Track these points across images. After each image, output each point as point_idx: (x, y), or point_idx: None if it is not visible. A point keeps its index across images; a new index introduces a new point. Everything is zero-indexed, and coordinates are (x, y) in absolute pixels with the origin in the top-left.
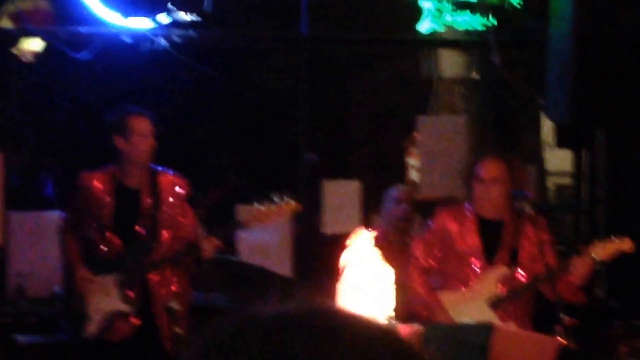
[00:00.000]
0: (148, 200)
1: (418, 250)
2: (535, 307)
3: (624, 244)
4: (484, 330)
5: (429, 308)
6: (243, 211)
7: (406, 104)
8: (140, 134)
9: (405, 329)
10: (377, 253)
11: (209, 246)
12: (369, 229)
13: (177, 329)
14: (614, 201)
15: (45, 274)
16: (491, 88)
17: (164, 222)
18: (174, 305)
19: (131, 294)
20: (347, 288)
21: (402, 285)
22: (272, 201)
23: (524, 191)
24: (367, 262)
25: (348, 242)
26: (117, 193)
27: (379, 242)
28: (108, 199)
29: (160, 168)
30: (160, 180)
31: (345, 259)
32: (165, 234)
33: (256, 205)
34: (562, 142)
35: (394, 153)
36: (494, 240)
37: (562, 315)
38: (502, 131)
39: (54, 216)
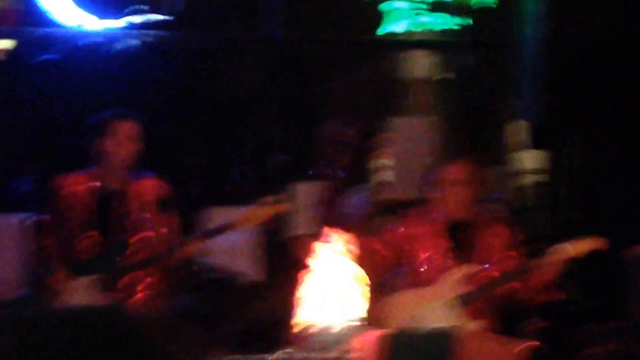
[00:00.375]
0: (128, 203)
1: (383, 250)
2: (504, 308)
3: (596, 243)
4: (453, 333)
5: None
6: (232, 213)
7: (377, 105)
8: (126, 137)
9: (373, 334)
10: (347, 255)
11: (193, 247)
12: (340, 231)
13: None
14: (587, 200)
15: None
16: (465, 89)
17: (144, 226)
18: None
19: (109, 295)
20: (314, 290)
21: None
22: (261, 202)
23: (494, 193)
24: (335, 265)
25: (316, 244)
26: (96, 195)
27: (351, 245)
28: (87, 201)
29: (142, 172)
30: (142, 184)
31: (313, 261)
32: (145, 237)
33: (245, 207)
34: (535, 142)
35: (364, 154)
36: (463, 240)
37: (532, 318)
38: (474, 132)
39: (15, 220)
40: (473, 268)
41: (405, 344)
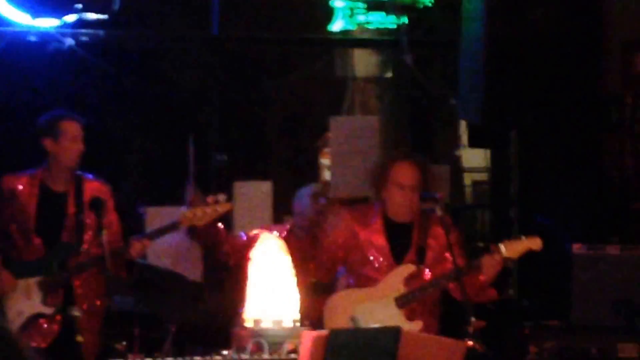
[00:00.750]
0: (73, 205)
1: (326, 248)
2: (442, 308)
3: (533, 243)
4: (392, 334)
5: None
6: (178, 213)
7: (321, 104)
8: (71, 137)
9: (309, 334)
10: (285, 255)
11: (138, 247)
12: (279, 230)
13: (79, 337)
14: (525, 199)
15: None
16: (405, 87)
17: (88, 227)
18: (75, 312)
19: (53, 297)
20: (254, 289)
21: (315, 285)
22: (206, 202)
23: (433, 192)
24: (273, 265)
25: (255, 244)
26: (42, 197)
27: (291, 242)
28: (32, 202)
29: (85, 174)
30: (85, 186)
31: (252, 261)
32: (89, 238)
33: (190, 207)
34: (474, 141)
35: (309, 153)
36: (402, 241)
37: (470, 318)
38: (416, 130)
39: None
40: (412, 269)
41: (342, 345)
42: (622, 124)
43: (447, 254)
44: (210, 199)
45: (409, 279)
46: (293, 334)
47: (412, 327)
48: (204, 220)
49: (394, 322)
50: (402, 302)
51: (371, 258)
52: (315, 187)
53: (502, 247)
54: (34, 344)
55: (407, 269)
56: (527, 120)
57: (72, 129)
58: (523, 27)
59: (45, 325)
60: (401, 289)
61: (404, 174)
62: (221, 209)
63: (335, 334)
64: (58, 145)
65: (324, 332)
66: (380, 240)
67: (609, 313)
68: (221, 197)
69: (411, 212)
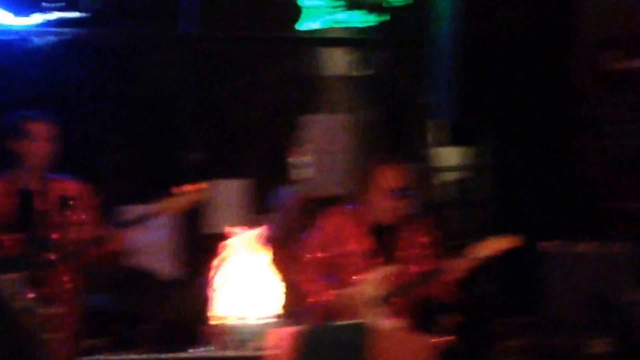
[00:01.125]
0: (47, 203)
1: (305, 249)
2: (420, 305)
3: (511, 241)
4: (360, 329)
5: (315, 305)
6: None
7: (295, 103)
8: (39, 138)
9: (287, 330)
10: (264, 253)
11: (116, 240)
12: (259, 228)
13: (50, 334)
14: (501, 196)
15: None
16: (377, 86)
17: (61, 224)
18: (43, 309)
19: (30, 292)
20: (230, 285)
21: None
22: (178, 192)
23: (410, 191)
24: (251, 261)
25: (227, 241)
26: (15, 195)
27: (272, 242)
28: (5, 201)
29: (57, 174)
30: (60, 183)
31: (229, 257)
32: (62, 235)
33: (166, 196)
34: (450, 139)
35: (283, 152)
36: (384, 242)
37: (447, 313)
38: (388, 129)
39: None
40: (393, 268)
41: (319, 340)
42: (593, 122)
43: (428, 252)
44: (186, 187)
45: (390, 279)
46: (259, 331)
47: (394, 325)
48: (179, 208)
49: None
50: (383, 301)
51: (353, 258)
52: (295, 190)
53: (481, 246)
54: None
55: (386, 269)
56: (500, 118)
57: (40, 129)
58: (495, 26)
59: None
60: (382, 289)
61: (391, 178)
62: (197, 197)
63: (304, 330)
64: (27, 145)
65: (293, 329)
66: (362, 241)
67: (580, 309)
68: (197, 185)
69: (396, 215)
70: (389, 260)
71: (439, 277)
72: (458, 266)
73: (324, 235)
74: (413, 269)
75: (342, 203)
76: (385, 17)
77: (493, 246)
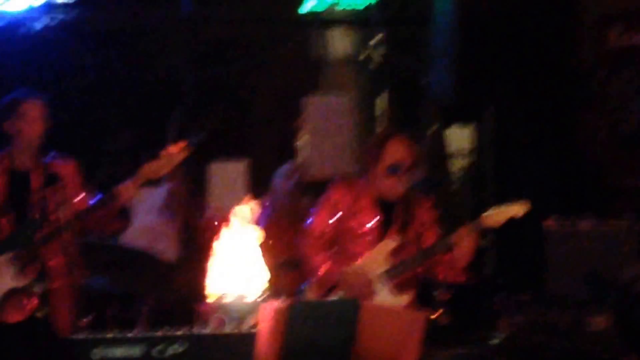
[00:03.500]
0: (38, 182)
1: (313, 222)
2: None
3: (515, 209)
4: (351, 305)
5: (322, 279)
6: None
7: (299, 84)
8: (33, 117)
9: (269, 306)
10: (252, 233)
11: (127, 190)
12: (253, 207)
13: (40, 312)
14: (501, 173)
15: None
16: (380, 66)
17: (55, 202)
18: (36, 287)
19: (26, 272)
20: (224, 263)
21: (291, 261)
22: (161, 155)
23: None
24: (237, 242)
25: (225, 221)
26: (6, 175)
27: (267, 219)
28: (1, 182)
29: (50, 153)
30: (51, 163)
31: (224, 236)
32: (55, 213)
33: (149, 161)
34: (450, 117)
35: (291, 134)
36: (387, 218)
37: (437, 290)
38: (391, 110)
39: None
40: (393, 245)
41: (302, 316)
42: (596, 99)
43: (429, 232)
44: (162, 152)
45: (392, 255)
46: (256, 308)
47: (399, 301)
48: (164, 170)
49: (380, 298)
50: (389, 276)
51: (357, 232)
52: (288, 168)
53: (485, 217)
54: (12, 320)
55: (389, 244)
56: (502, 97)
57: (32, 109)
58: (496, 3)
59: (25, 301)
60: (385, 265)
61: (396, 154)
62: (178, 156)
63: (295, 305)
64: (19, 125)
65: (283, 304)
66: (366, 215)
67: (582, 286)
68: (175, 147)
69: (402, 191)
70: (391, 235)
71: (443, 254)
72: (465, 234)
73: (332, 208)
74: (417, 244)
75: (348, 179)
76: None
77: (503, 213)
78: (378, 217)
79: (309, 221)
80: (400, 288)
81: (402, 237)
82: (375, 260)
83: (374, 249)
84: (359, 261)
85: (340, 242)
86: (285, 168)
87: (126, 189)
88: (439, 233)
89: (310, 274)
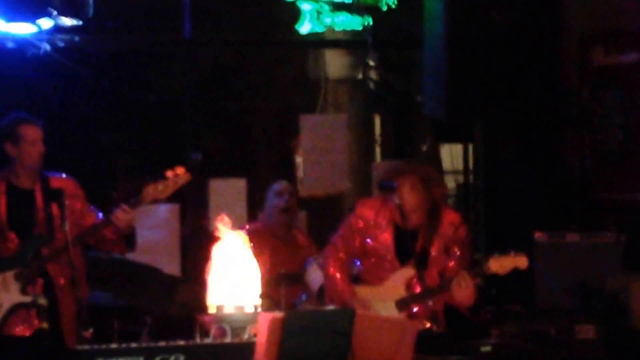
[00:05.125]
0: (41, 199)
1: (338, 239)
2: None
3: (521, 261)
4: (347, 315)
5: (344, 300)
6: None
7: (298, 105)
8: (30, 141)
9: (266, 316)
10: (246, 244)
11: (123, 215)
12: (246, 223)
13: (44, 325)
14: (491, 192)
15: None
16: (374, 87)
17: (59, 218)
18: (41, 300)
19: (32, 287)
20: (215, 278)
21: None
22: (164, 177)
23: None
24: (235, 254)
25: (218, 233)
26: (9, 194)
27: (259, 235)
28: (2, 201)
29: (50, 172)
30: (52, 182)
31: (215, 250)
32: (61, 229)
33: (151, 183)
34: (440, 137)
35: (285, 152)
36: (408, 243)
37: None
38: (387, 129)
39: None
40: (412, 273)
41: (298, 326)
42: (580, 117)
43: (454, 251)
44: (169, 173)
45: (410, 282)
46: (255, 319)
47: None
48: (166, 192)
49: None
50: (401, 305)
51: (378, 254)
52: (282, 183)
53: (490, 262)
54: (17, 333)
55: (408, 272)
56: (490, 115)
57: (31, 133)
58: (483, 24)
59: (31, 315)
60: (402, 292)
61: (406, 198)
62: (181, 180)
63: (291, 315)
64: (19, 149)
65: (280, 314)
66: (386, 238)
67: (570, 297)
68: (180, 169)
69: (418, 218)
70: (410, 262)
71: (447, 291)
72: (465, 285)
73: (353, 229)
74: (433, 271)
75: (374, 198)
76: (369, 20)
77: (509, 263)
78: (397, 241)
79: (333, 238)
80: (416, 317)
81: (420, 264)
82: (392, 286)
83: (392, 276)
84: (374, 287)
85: (365, 261)
86: (277, 184)
87: (123, 213)
88: (465, 250)
89: (332, 293)
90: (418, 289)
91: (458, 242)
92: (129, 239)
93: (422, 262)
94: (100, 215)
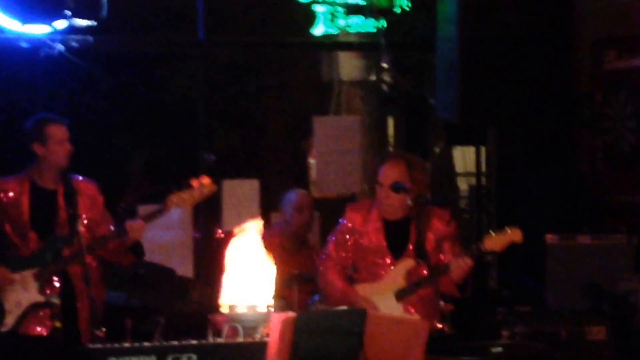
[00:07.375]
0: (63, 199)
1: (331, 248)
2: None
3: (515, 235)
4: (358, 315)
5: (349, 300)
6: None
7: (312, 106)
8: (58, 140)
9: (278, 316)
10: (261, 245)
11: (136, 227)
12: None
13: (57, 323)
14: (503, 194)
15: None
16: (387, 89)
17: (80, 220)
18: (55, 300)
19: (50, 287)
20: (231, 277)
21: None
22: (190, 186)
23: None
24: (248, 255)
25: (235, 234)
26: (32, 194)
27: (275, 242)
28: (25, 201)
29: (72, 174)
30: (74, 183)
31: (231, 250)
32: (82, 229)
33: (176, 191)
34: (453, 139)
35: (298, 153)
36: (401, 237)
37: (440, 301)
38: (398, 130)
39: None
40: (411, 264)
41: (310, 326)
42: (592, 119)
43: (446, 243)
44: (194, 182)
45: (409, 273)
46: (267, 319)
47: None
48: (190, 201)
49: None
50: (400, 295)
51: (372, 253)
52: (300, 194)
53: (486, 240)
54: (34, 332)
55: (407, 264)
56: (503, 118)
57: (58, 132)
58: (496, 27)
59: (47, 314)
60: (401, 283)
61: (384, 173)
62: (206, 190)
63: (303, 316)
64: (47, 148)
65: (292, 314)
66: (378, 238)
67: (581, 298)
68: (205, 179)
69: (398, 211)
70: (407, 254)
71: (447, 274)
72: (464, 263)
73: (345, 233)
74: (423, 264)
75: (360, 202)
76: (382, 22)
77: (502, 239)
78: (390, 238)
79: (326, 248)
80: (414, 306)
81: (417, 256)
82: (392, 279)
83: (392, 269)
84: (370, 283)
85: (359, 263)
86: (293, 194)
87: (137, 226)
88: (456, 244)
89: (335, 298)
90: (414, 279)
91: (449, 236)
92: (135, 249)
93: (419, 253)
94: (112, 227)
